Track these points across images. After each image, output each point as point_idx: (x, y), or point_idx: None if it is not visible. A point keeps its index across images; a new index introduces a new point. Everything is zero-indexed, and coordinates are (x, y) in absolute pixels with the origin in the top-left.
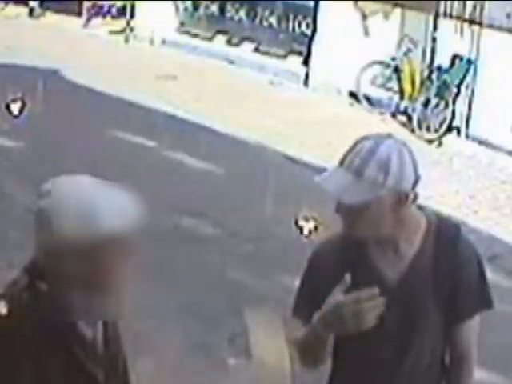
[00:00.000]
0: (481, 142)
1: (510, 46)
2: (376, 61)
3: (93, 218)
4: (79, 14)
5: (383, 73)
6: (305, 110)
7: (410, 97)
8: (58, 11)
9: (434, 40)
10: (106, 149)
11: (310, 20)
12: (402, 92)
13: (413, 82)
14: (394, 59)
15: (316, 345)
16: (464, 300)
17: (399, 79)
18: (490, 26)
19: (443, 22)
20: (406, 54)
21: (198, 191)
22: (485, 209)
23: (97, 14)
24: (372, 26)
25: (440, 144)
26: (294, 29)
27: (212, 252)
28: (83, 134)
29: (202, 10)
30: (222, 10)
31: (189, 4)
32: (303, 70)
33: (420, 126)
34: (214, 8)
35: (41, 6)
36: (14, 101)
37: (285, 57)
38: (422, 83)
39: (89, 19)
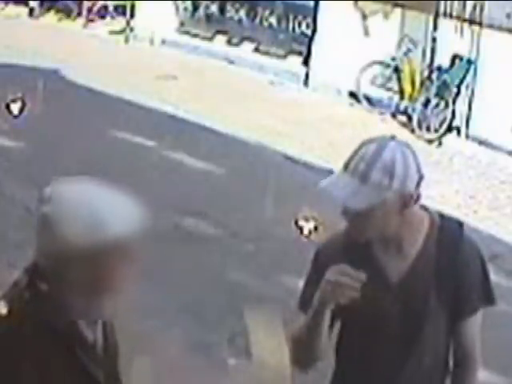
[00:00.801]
0: (481, 142)
1: (510, 46)
2: (376, 61)
3: (96, 224)
4: (79, 14)
5: (383, 73)
6: (305, 110)
7: (410, 97)
8: (58, 11)
9: (434, 40)
10: (105, 149)
11: (310, 20)
12: (402, 92)
13: (413, 82)
14: (394, 59)
15: (311, 335)
16: (467, 297)
17: (399, 79)
18: (490, 26)
19: (443, 22)
20: (406, 53)
21: (198, 191)
22: (485, 209)
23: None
24: (372, 26)
25: (440, 144)
26: (293, 29)
27: (212, 252)
28: (83, 133)
29: (201, 10)
30: (222, 10)
31: (189, 4)
32: (303, 70)
33: (420, 126)
34: (214, 8)
35: (41, 5)
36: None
37: (285, 57)
38: (422, 83)
39: (89, 19)
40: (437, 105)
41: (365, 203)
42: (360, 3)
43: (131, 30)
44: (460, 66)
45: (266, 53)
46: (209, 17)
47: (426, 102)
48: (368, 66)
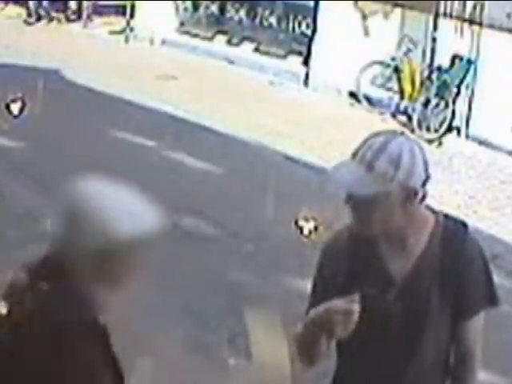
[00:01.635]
0: (481, 142)
1: (510, 46)
2: (376, 61)
3: (121, 222)
4: (79, 14)
5: (383, 73)
6: (305, 110)
7: (410, 97)
8: (58, 11)
9: (434, 40)
10: (105, 149)
11: (310, 20)
12: (402, 92)
13: (413, 82)
14: (393, 59)
15: (312, 340)
16: (470, 297)
17: (399, 79)
18: (490, 26)
19: (443, 22)
20: (406, 53)
21: (198, 191)
22: (485, 209)
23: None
24: (372, 26)
25: (440, 144)
26: (293, 29)
27: (212, 252)
28: (83, 133)
29: (201, 10)
30: (222, 10)
31: (189, 4)
32: (303, 70)
33: (420, 126)
34: (214, 8)
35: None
36: (13, 101)
37: (285, 57)
38: (421, 83)
39: (89, 19)
40: (437, 105)
41: (369, 190)
42: (360, 3)
43: (131, 30)
44: (460, 66)
45: (266, 53)
46: (209, 17)
47: (426, 102)
48: (368, 65)
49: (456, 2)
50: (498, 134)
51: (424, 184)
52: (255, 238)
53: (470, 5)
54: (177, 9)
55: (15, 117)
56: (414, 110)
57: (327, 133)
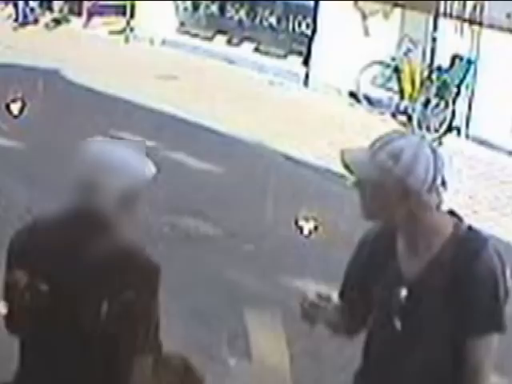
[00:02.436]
0: (481, 142)
1: (510, 46)
2: (376, 61)
3: (135, 166)
4: (79, 14)
5: (383, 73)
6: (305, 110)
7: (410, 97)
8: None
9: (434, 40)
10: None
11: (310, 20)
12: (402, 92)
13: (413, 82)
14: (394, 59)
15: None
16: (472, 317)
17: (399, 79)
18: (490, 26)
19: (443, 22)
20: (406, 53)
21: (198, 191)
22: (485, 209)
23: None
24: (372, 26)
25: (440, 144)
26: (294, 29)
27: (212, 252)
28: (83, 134)
29: (201, 10)
30: (222, 10)
31: (189, 4)
32: (303, 70)
33: (420, 126)
34: (214, 8)
35: (41, 6)
36: (13, 101)
37: (285, 57)
38: (422, 83)
39: (89, 19)
40: (437, 105)
41: (365, 174)
42: (360, 3)
43: (131, 30)
44: (460, 66)
45: (266, 53)
46: (209, 17)
47: (426, 102)
48: (368, 65)
49: (456, 2)
50: (497, 134)
51: (430, 188)
52: (255, 238)
53: (470, 5)
54: (177, 9)
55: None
56: (413, 110)
57: (327, 133)
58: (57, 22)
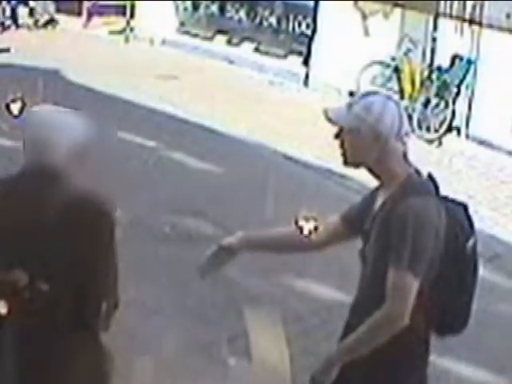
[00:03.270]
0: (481, 142)
1: (510, 46)
2: (376, 61)
3: (79, 128)
4: (79, 14)
5: (383, 73)
6: (305, 110)
7: (410, 97)
8: (57, 11)
9: (434, 40)
10: (105, 149)
11: (310, 20)
12: (402, 92)
13: (413, 82)
14: (394, 59)
15: None
16: (388, 250)
17: (399, 79)
18: (490, 26)
19: (443, 22)
20: (405, 53)
21: (198, 191)
22: (485, 209)
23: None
24: (372, 26)
25: (440, 144)
26: (294, 29)
27: None
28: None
29: (201, 10)
30: (222, 10)
31: (189, 4)
32: (303, 70)
33: (420, 126)
34: (214, 8)
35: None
36: (13, 101)
37: (285, 57)
38: (422, 83)
39: (89, 19)
40: (437, 105)
41: (343, 122)
42: (360, 3)
43: (131, 30)
44: (460, 66)
45: (266, 53)
46: (209, 17)
47: (426, 102)
48: (368, 65)
49: (456, 2)
50: (497, 134)
51: (398, 135)
52: None
53: (469, 5)
54: (177, 9)
55: (15, 117)
56: (413, 110)
57: (327, 133)
58: (44, 24)
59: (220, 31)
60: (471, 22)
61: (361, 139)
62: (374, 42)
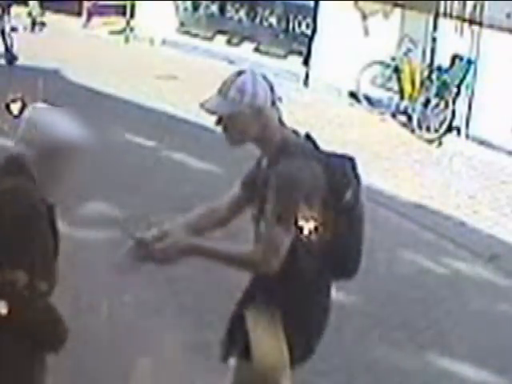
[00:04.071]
0: (481, 142)
1: (510, 46)
2: (376, 61)
3: (58, 132)
4: (79, 14)
5: (383, 73)
6: (305, 110)
7: (410, 97)
8: (57, 11)
9: (434, 40)
10: (105, 149)
11: (310, 20)
12: (401, 92)
13: (413, 82)
14: (394, 59)
15: None
16: (263, 206)
17: (399, 79)
18: (490, 26)
19: (443, 22)
20: (406, 53)
21: (198, 191)
22: (485, 209)
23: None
24: (372, 26)
25: (440, 144)
26: (294, 29)
27: None
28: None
29: (201, 10)
30: (222, 10)
31: (189, 4)
32: (303, 69)
33: (420, 126)
34: (214, 8)
35: (41, 6)
36: (13, 101)
37: (285, 57)
38: (422, 83)
39: (89, 19)
40: (437, 105)
41: (224, 110)
42: (360, 3)
43: (131, 30)
44: (460, 66)
45: (266, 53)
46: (209, 17)
47: (426, 102)
48: (368, 65)
49: (456, 2)
50: (497, 134)
51: (273, 103)
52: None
53: (470, 5)
54: (177, 9)
55: (15, 117)
56: (413, 110)
57: (327, 133)
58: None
59: (220, 31)
60: (471, 22)
61: (242, 120)
62: (374, 42)
